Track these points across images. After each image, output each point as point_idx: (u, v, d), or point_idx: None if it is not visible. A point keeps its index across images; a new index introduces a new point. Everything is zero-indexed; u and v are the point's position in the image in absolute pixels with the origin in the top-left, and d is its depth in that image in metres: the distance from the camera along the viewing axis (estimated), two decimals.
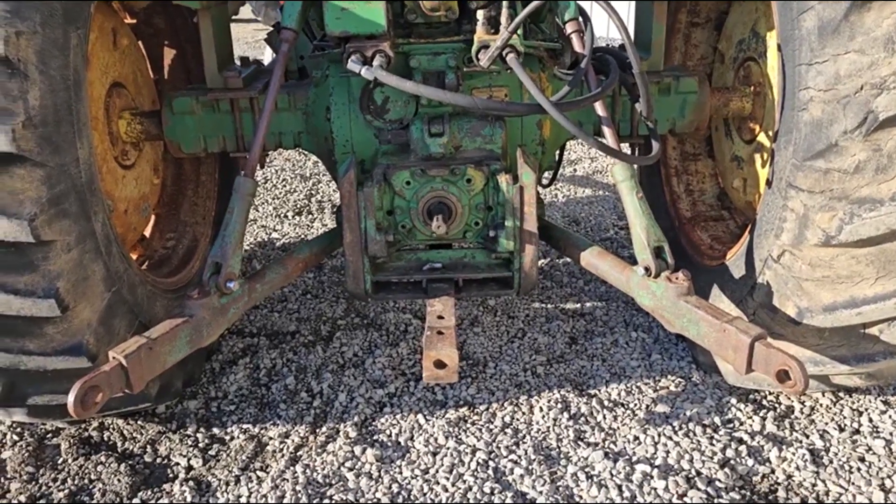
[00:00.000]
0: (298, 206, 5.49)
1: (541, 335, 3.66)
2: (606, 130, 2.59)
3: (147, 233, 3.55)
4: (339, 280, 4.30)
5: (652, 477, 2.65)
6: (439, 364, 2.15)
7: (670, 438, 2.88)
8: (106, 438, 3.02)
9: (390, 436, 3.00)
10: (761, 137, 3.11)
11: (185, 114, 3.03)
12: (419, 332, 3.71)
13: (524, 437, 2.93)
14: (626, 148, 3.09)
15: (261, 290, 2.65)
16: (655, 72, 3.02)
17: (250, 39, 14.15)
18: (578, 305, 3.97)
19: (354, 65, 2.52)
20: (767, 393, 3.15)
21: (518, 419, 3.05)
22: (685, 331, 2.43)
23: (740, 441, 2.86)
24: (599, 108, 2.61)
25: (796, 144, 2.35)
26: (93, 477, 2.79)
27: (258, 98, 2.99)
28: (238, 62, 3.25)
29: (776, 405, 3.09)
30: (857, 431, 2.90)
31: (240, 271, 2.55)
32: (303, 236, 4.95)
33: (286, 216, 5.31)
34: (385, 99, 2.82)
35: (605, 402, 3.13)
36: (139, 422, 3.13)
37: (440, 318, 2.55)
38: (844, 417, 2.99)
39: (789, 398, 3.11)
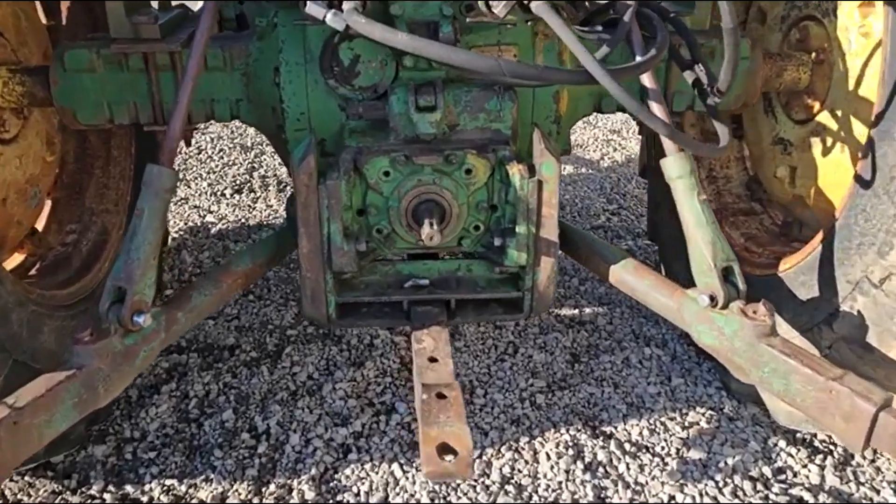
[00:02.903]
0: (238, 182, 4.68)
1: (536, 351, 3.03)
2: (656, 108, 1.93)
3: (39, 226, 2.76)
4: (288, 277, 3.57)
5: None
6: (446, 449, 1.49)
7: (715, 499, 2.29)
8: None
9: (358, 494, 2.34)
10: (823, 118, 2.50)
11: (82, 72, 2.25)
12: (388, 348, 3.03)
13: (530, 496, 2.31)
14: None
15: (184, 322, 1.93)
16: (700, 31, 2.37)
17: None
18: (576, 311, 3.34)
19: (316, 8, 1.78)
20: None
21: (520, 470, 2.42)
22: (767, 384, 1.81)
23: (800, 501, 2.29)
24: (647, 78, 1.95)
25: None
26: None
27: (181, 53, 2.22)
28: (155, 5, 2.46)
29: (831, 448, 2.53)
30: None
31: (153, 296, 1.82)
32: (243, 220, 4.18)
33: (223, 194, 4.50)
34: (354, 58, 2.10)
35: (626, 446, 2.53)
36: (27, 478, 2.39)
37: (432, 361, 1.87)
38: None
39: None
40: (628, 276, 2.13)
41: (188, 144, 2.52)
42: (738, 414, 2.69)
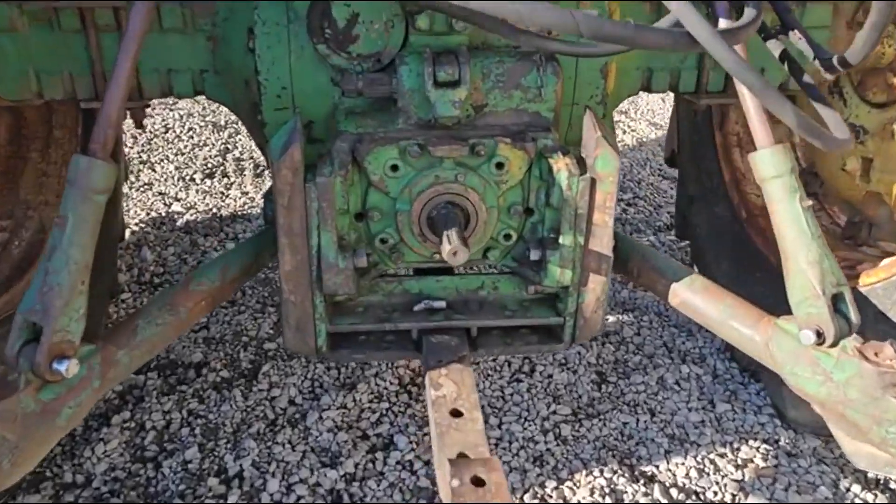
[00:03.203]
0: (210, 165, 4.18)
1: (556, 369, 2.61)
2: None
3: None
4: (265, 278, 3.10)
5: None
6: None
7: None
8: None
9: None
10: None
11: (0, 32, 1.76)
12: (383, 366, 2.59)
13: None
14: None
15: (128, 363, 1.46)
16: None
17: None
18: None
19: None
20: None
21: None
22: (892, 447, 1.40)
23: None
24: (738, 48, 1.51)
25: None
26: None
27: (127, 8, 1.74)
28: None
29: None
30: None
31: (81, 332, 1.35)
32: (215, 209, 3.70)
33: (193, 179, 4.00)
34: (352, 17, 1.63)
35: (672, 492, 2.12)
36: None
37: (456, 415, 1.43)
38: None
39: None
40: (696, 299, 1.70)
41: (139, 127, 2.04)
42: (798, 448, 2.29)
